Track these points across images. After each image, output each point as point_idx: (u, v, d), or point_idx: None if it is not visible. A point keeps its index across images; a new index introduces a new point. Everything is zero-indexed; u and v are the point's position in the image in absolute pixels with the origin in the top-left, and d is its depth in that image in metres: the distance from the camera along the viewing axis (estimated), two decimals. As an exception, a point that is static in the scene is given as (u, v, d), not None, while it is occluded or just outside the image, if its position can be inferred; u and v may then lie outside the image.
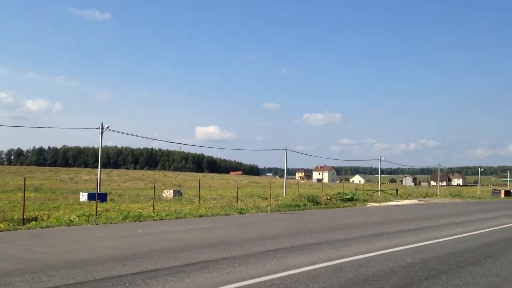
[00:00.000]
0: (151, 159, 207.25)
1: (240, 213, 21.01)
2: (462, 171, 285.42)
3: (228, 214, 20.35)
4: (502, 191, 71.30)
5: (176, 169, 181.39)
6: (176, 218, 18.27)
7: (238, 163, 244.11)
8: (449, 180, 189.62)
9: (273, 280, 7.19)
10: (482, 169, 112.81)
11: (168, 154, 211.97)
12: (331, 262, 8.81)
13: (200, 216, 19.18)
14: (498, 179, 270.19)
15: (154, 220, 17.53)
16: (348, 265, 8.55)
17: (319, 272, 7.86)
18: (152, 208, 20.85)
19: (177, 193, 35.82)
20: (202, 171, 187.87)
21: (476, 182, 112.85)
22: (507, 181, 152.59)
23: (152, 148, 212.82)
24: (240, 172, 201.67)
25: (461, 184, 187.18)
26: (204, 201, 27.37)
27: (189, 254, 9.54)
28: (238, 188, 28.10)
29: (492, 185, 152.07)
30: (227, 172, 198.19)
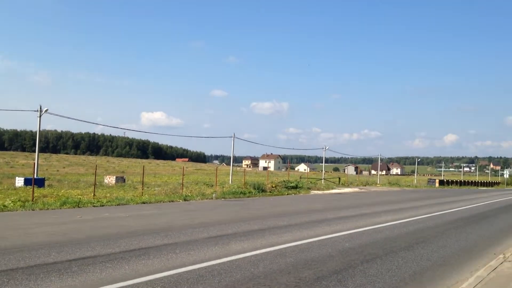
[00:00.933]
0: (93, 144, 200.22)
1: (185, 200, 20.86)
2: (400, 161, 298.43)
3: (173, 201, 20.15)
4: (437, 181, 75.46)
5: (120, 155, 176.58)
6: (117, 205, 17.86)
7: (184, 150, 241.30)
8: (389, 169, 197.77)
9: (214, 266, 7.21)
10: (419, 160, 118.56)
11: (111, 139, 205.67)
12: (273, 247, 8.96)
13: (143, 202, 18.86)
14: (433, 169, 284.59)
15: (94, 206, 17.05)
16: (288, 251, 8.73)
17: (260, 258, 7.97)
18: (92, 195, 20.25)
19: (120, 180, 34.98)
20: (147, 157, 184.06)
21: (413, 172, 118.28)
22: (441, 171, 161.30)
23: (94, 133, 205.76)
24: (187, 159, 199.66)
25: (399, 173, 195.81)
26: (148, 187, 26.89)
27: (130, 240, 9.37)
28: (183, 175, 27.84)
29: (428, 175, 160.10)
30: (173, 159, 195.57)
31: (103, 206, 17.34)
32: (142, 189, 23.06)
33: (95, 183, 22.79)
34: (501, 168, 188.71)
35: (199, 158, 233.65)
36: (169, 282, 6.23)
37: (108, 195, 21.36)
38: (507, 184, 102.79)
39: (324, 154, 56.90)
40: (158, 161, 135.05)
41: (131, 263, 7.31)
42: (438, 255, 9.16)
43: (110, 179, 34.41)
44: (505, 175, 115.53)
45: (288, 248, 9.04)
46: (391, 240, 10.74)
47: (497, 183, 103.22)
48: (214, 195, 23.20)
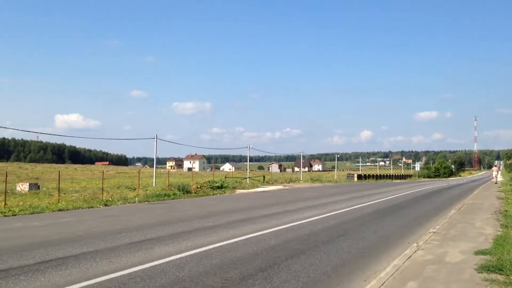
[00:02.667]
0: (2, 150, 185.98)
1: (105, 205, 20.02)
2: (321, 158, 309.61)
3: (92, 207, 19.24)
4: (355, 175, 79.18)
5: (33, 161, 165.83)
6: (31, 214, 16.71)
7: (104, 153, 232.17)
8: (311, 166, 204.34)
9: (138, 272, 6.97)
10: (338, 156, 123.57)
11: (23, 144, 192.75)
12: (198, 249, 8.84)
13: (60, 210, 17.82)
14: (352, 164, 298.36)
15: (5, 216, 15.83)
16: (214, 252, 8.66)
17: (185, 261, 7.83)
18: (3, 204, 18.77)
19: (34, 186, 32.86)
20: (63, 162, 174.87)
21: (333, 168, 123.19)
22: (359, 166, 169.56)
23: (4, 138, 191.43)
24: (107, 163, 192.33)
25: (321, 169, 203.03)
26: (65, 194, 25.47)
27: (45, 251, 8.78)
28: (103, 179, 26.72)
29: (347, 170, 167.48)
30: (92, 162, 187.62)
31: (15, 215, 16.15)
32: (59, 196, 21.77)
33: (5, 191, 21.11)
34: (412, 161, 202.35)
35: (121, 161, 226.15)
36: (88, 292, 5.92)
37: (21, 203, 19.95)
38: (418, 177, 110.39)
39: (248, 153, 57.39)
40: (75, 166, 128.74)
41: (47, 274, 6.85)
42: (358, 247, 9.57)
43: (23, 186, 32.19)
44: (416, 168, 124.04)
45: (214, 249, 8.97)
46: (314, 234, 11.05)
47: (410, 176, 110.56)
48: (137, 198, 22.50)
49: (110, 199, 22.15)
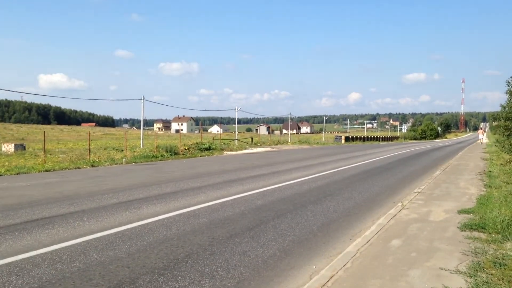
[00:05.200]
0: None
1: (92, 166, 19.92)
2: (310, 120, 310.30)
3: (79, 168, 19.14)
4: (343, 137, 79.69)
5: (18, 121, 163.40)
6: (17, 174, 16.60)
7: (91, 114, 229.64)
8: (299, 128, 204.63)
9: (125, 231, 6.99)
10: (326, 118, 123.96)
11: (7, 104, 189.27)
12: (186, 209, 8.88)
13: (46, 170, 17.70)
14: (340, 126, 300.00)
15: (-10, 177, 15.69)
16: (202, 211, 8.71)
17: (173, 220, 7.86)
18: (-12, 165, 18.57)
19: (20, 147, 32.47)
20: (49, 123, 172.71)
21: (321, 130, 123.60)
22: (347, 128, 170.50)
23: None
24: (93, 124, 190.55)
25: (309, 131, 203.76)
26: (51, 155, 25.24)
27: (31, 210, 8.75)
28: (90, 140, 26.51)
29: (335, 132, 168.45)
30: (79, 124, 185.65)
31: (1, 175, 16.01)
32: (45, 157, 21.58)
33: (-10, 152, 20.89)
34: (399, 123, 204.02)
35: (107, 122, 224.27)
36: (76, 250, 5.94)
37: (7, 163, 19.74)
38: (405, 139, 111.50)
39: (236, 115, 57.12)
40: (61, 127, 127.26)
41: (34, 233, 6.85)
42: (344, 206, 9.69)
43: (8, 147, 31.80)
44: (403, 130, 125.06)
45: (202, 208, 9.02)
46: (301, 195, 11.16)
47: (396, 138, 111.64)
48: (124, 160, 22.41)
49: (97, 160, 22.03)
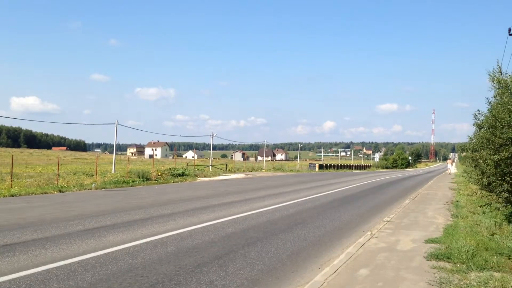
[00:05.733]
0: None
1: (60, 191, 19.42)
2: (285, 147, 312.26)
3: (46, 193, 18.61)
4: (317, 165, 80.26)
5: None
6: (-20, 199, 16.01)
7: (62, 137, 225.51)
8: (274, 155, 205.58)
9: (89, 260, 6.79)
10: (301, 145, 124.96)
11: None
12: (154, 237, 8.71)
13: (12, 195, 17.15)
14: (314, 154, 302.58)
15: (-49, 202, 15.09)
16: (170, 239, 8.55)
17: (139, 248, 7.69)
18: (-50, 189, 17.89)
19: (-14, 171, 31.48)
20: (19, 146, 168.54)
21: (296, 157, 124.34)
22: (321, 156, 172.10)
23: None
24: (65, 148, 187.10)
25: (284, 159, 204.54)
26: (18, 179, 24.53)
27: (-8, 238, 8.42)
28: (59, 164, 25.91)
29: (310, 160, 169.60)
30: (49, 147, 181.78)
31: (-38, 201, 15.43)
32: (11, 181, 20.95)
33: (-47, 176, 20.15)
34: (372, 152, 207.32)
35: (79, 146, 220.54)
36: (36, 279, 5.72)
37: (-30, 188, 19.05)
38: (377, 167, 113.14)
39: (211, 141, 57.03)
40: (31, 150, 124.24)
41: (-8, 262, 6.57)
42: (314, 235, 9.69)
43: (-27, 171, 30.80)
44: (375, 159, 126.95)
45: (170, 236, 8.86)
46: (273, 223, 11.11)
47: (369, 166, 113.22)
48: (93, 185, 21.95)
49: (66, 185, 21.51)
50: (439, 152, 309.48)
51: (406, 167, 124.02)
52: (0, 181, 23.80)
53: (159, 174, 30.55)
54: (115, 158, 37.82)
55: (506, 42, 18.68)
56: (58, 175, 24.26)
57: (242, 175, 42.40)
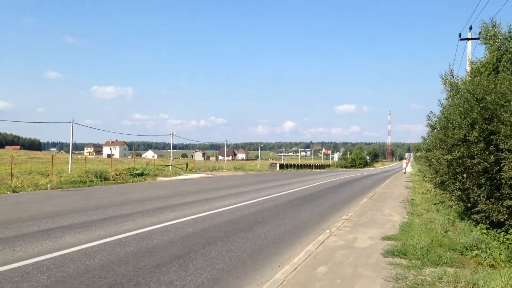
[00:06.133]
0: None
1: (14, 191, 18.70)
2: (246, 147, 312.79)
3: (-2, 193, 17.88)
4: (278, 165, 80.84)
5: None
6: None
7: (15, 136, 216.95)
8: (235, 155, 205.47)
9: (44, 261, 6.59)
10: (262, 145, 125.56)
11: None
12: (112, 238, 8.55)
13: (-40, 196, 16.38)
14: (275, 153, 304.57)
15: None
16: (129, 240, 8.42)
17: (97, 249, 7.53)
18: None
19: None
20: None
21: (257, 157, 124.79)
22: (282, 155, 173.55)
23: None
24: (18, 147, 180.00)
25: (244, 158, 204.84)
26: (-33, 179, 23.44)
27: None
28: (12, 163, 24.94)
29: (270, 159, 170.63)
30: (2, 146, 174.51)
31: None
32: (-40, 181, 19.99)
33: None
34: (331, 152, 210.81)
35: (34, 145, 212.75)
36: (-14, 284, 5.49)
37: None
38: (336, 167, 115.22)
39: (171, 140, 56.34)
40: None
41: None
42: (275, 233, 9.78)
43: None
44: (334, 159, 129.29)
45: (129, 237, 8.72)
46: (233, 222, 11.13)
47: (328, 166, 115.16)
48: (49, 185, 21.27)
49: (20, 185, 20.74)
50: (395, 152, 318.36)
51: (364, 167, 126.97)
52: None
53: (118, 174, 29.94)
54: (71, 158, 36.73)
55: (457, 46, 19.47)
56: (12, 174, 23.34)
57: (203, 175, 42.17)
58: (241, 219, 11.65)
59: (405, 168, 58.35)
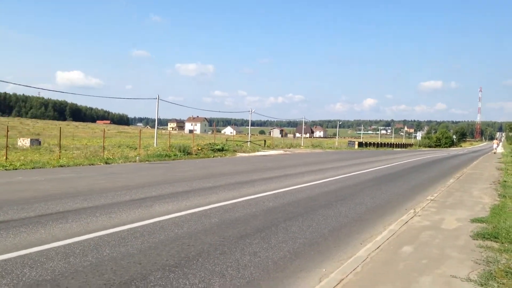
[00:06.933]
0: (4, 105, 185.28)
1: (106, 163, 20.13)
2: (323, 124, 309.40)
3: (93, 164, 19.35)
4: (356, 143, 79.30)
5: (35, 117, 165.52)
6: (32, 168, 16.84)
7: (106, 111, 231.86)
8: (312, 132, 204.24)
9: (137, 228, 7.06)
10: (340, 123, 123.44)
11: (24, 99, 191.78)
12: (198, 209, 8.93)
13: (61, 166, 17.94)
14: (353, 131, 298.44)
15: (6, 170, 15.97)
16: (213, 211, 8.75)
17: (184, 219, 7.92)
18: (4, 158, 18.89)
19: (35, 142, 32.99)
20: (65, 119, 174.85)
21: (335, 135, 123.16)
22: (361, 133, 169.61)
23: (5, 93, 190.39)
24: (108, 122, 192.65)
25: (322, 136, 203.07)
26: (66, 150, 25.60)
27: (46, 204, 8.88)
28: (104, 137, 26.78)
29: (349, 137, 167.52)
30: (94, 121, 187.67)
31: (16, 169, 16.27)
32: (60, 152, 21.87)
33: (7, 146, 21.19)
34: (414, 130, 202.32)
35: (122, 120, 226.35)
36: (88, 245, 6.01)
37: (22, 158, 20.06)
38: (419, 146, 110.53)
39: (250, 117, 57.23)
40: (77, 123, 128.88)
41: (48, 227, 6.95)
42: (355, 211, 9.66)
43: (24, 142, 32.34)
44: (417, 137, 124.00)
45: (213, 208, 9.06)
46: (313, 199, 11.14)
47: (410, 145, 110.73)
48: (137, 158, 22.60)
49: (111, 157, 22.26)
50: (485, 131, 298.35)
51: (450, 146, 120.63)
52: (49, 152, 24.91)
53: (199, 148, 31.07)
54: (156, 133, 38.67)
55: None
56: (104, 147, 25.09)
57: (280, 151, 42.47)
58: (321, 196, 11.63)
59: (496, 149, 54.57)
